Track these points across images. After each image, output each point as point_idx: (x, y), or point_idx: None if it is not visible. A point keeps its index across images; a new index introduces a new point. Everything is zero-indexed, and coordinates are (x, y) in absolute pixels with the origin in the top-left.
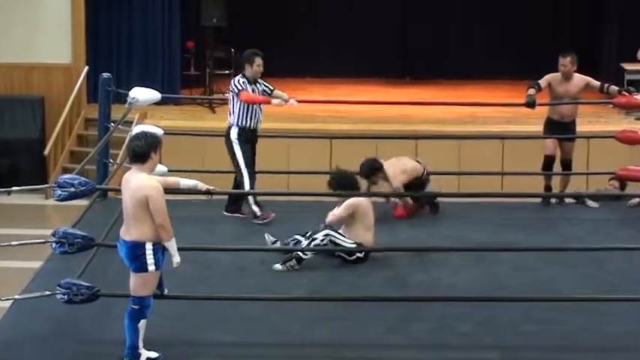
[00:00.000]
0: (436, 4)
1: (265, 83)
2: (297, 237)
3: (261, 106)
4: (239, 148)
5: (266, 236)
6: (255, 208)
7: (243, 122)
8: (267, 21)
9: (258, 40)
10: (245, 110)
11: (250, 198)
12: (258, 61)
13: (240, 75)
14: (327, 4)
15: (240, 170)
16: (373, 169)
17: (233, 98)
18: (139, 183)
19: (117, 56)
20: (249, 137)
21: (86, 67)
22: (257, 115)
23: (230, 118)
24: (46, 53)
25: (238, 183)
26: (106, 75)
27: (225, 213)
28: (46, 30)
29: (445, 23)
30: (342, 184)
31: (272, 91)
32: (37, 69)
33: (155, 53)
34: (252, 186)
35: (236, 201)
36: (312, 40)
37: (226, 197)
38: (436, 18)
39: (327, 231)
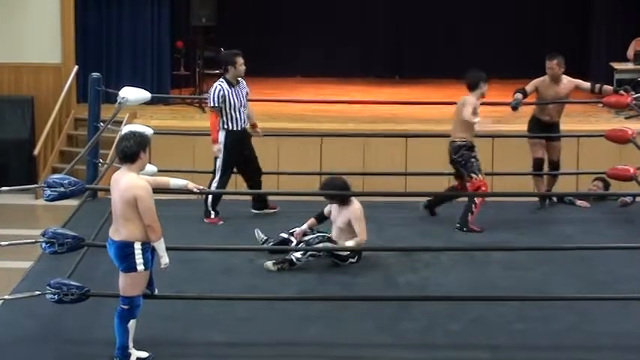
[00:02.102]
0: (426, 3)
1: (246, 86)
2: (283, 235)
3: (244, 104)
4: (224, 152)
5: (256, 232)
6: (212, 213)
7: (229, 125)
8: (256, 20)
9: (247, 40)
10: (227, 113)
11: (210, 198)
12: (240, 60)
13: (220, 80)
14: (316, 4)
15: (214, 171)
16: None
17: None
18: (127, 183)
19: (106, 56)
20: (237, 140)
21: (76, 67)
22: (241, 117)
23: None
24: (35, 53)
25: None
26: (95, 75)
27: (253, 210)
28: (36, 30)
29: (435, 23)
30: (343, 190)
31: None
32: (26, 69)
33: (145, 53)
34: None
35: (260, 199)
36: (301, 40)
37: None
38: (426, 17)
39: (326, 244)
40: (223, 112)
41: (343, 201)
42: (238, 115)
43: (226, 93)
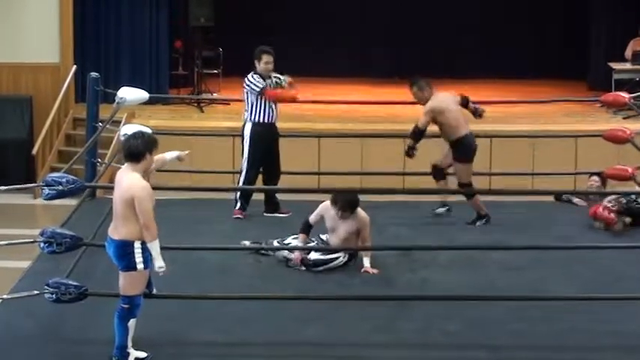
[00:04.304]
0: (425, 4)
1: (276, 75)
2: (275, 243)
3: (273, 101)
4: (249, 145)
5: (242, 245)
6: (238, 204)
7: (257, 118)
8: (254, 21)
9: (245, 40)
10: (257, 106)
11: (238, 192)
12: (266, 58)
13: (252, 72)
14: (315, 3)
15: (242, 166)
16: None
17: (247, 94)
18: (128, 183)
19: (105, 56)
20: (263, 134)
21: (74, 67)
22: (270, 111)
23: (245, 114)
24: (33, 52)
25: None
26: (94, 75)
27: (265, 214)
28: (34, 29)
29: (434, 23)
30: (351, 203)
31: (282, 80)
32: (24, 68)
33: (143, 53)
34: (244, 184)
35: (271, 200)
36: (299, 40)
37: (214, 193)
38: (425, 18)
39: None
40: (253, 102)
41: (353, 210)
42: (265, 109)
43: (262, 82)
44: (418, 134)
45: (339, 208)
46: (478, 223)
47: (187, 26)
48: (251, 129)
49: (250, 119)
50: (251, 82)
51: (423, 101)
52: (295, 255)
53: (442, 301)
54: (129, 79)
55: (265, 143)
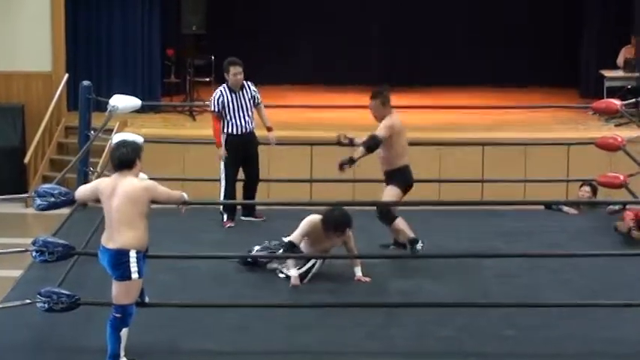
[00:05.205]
0: (416, 10)
1: (255, 91)
2: (256, 247)
3: (245, 109)
4: (224, 157)
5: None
6: (225, 216)
7: (229, 129)
8: (246, 28)
9: (238, 48)
10: (229, 118)
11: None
12: (234, 70)
13: (223, 85)
14: (306, 11)
15: (220, 177)
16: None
17: None
18: (136, 188)
19: (97, 64)
20: (237, 145)
21: (66, 75)
22: (243, 121)
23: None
24: (25, 61)
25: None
26: (86, 83)
27: (242, 217)
28: (26, 37)
29: (425, 30)
30: (348, 223)
31: (258, 104)
32: (16, 77)
33: (135, 61)
34: (225, 195)
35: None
36: (292, 48)
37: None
38: (416, 25)
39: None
40: (224, 117)
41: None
42: (237, 121)
43: (225, 98)
44: (374, 146)
45: (340, 230)
46: (416, 248)
47: (179, 34)
48: (225, 140)
49: (224, 131)
50: (211, 101)
51: (379, 117)
52: (294, 282)
53: (434, 308)
54: (121, 87)
55: (241, 154)
